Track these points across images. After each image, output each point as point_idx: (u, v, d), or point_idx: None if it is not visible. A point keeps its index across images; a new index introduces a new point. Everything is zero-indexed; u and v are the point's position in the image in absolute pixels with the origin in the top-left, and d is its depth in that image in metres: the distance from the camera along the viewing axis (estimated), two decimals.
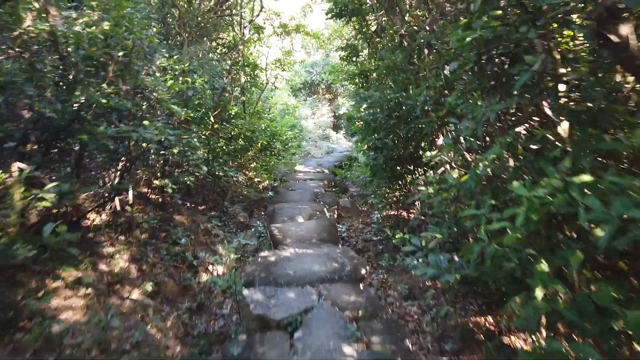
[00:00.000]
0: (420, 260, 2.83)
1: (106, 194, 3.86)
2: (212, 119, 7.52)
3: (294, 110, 15.06)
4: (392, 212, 5.70)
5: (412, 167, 5.09)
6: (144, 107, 3.92)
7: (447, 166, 4.11)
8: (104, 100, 3.20)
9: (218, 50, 8.39)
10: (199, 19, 6.70)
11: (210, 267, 4.28)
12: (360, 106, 6.87)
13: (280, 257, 3.50)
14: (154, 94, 3.95)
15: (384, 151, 4.72)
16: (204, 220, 5.46)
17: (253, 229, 5.67)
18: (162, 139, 4.79)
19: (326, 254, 3.52)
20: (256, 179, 8.98)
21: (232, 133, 8.09)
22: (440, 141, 4.52)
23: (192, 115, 4.49)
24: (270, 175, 9.20)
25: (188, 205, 5.75)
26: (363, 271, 3.51)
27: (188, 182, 5.14)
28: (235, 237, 5.49)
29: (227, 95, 8.41)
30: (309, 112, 19.13)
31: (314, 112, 19.70)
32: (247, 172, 9.12)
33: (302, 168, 9.54)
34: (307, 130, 17.00)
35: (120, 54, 3.41)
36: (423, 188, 3.13)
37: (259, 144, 9.16)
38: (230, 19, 7.89)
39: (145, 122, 3.62)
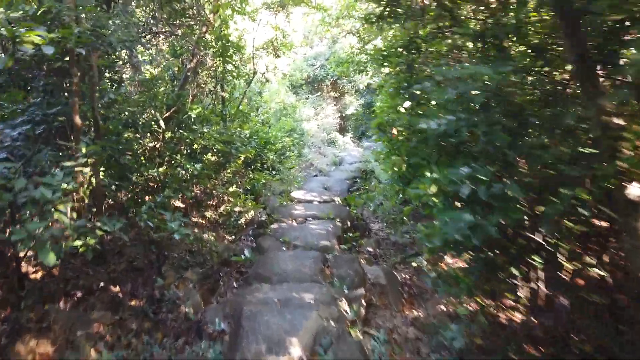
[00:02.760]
0: None
1: None
2: (162, 123, 4.77)
3: (293, 110, 12.25)
4: (495, 313, 2.84)
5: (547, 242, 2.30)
6: None
7: None
8: None
9: (176, 21, 5.61)
10: None
11: None
12: (400, 104, 4.05)
13: None
14: None
15: (497, 210, 1.91)
16: (99, 333, 2.68)
17: (203, 343, 2.88)
18: None
19: None
20: (236, 209, 6.18)
21: (196, 145, 5.33)
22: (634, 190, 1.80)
23: None
24: (257, 204, 6.38)
25: (78, 295, 2.96)
26: None
27: (83, 250, 2.50)
28: None
29: (188, 88, 5.64)
30: (312, 113, 16.28)
31: (318, 112, 16.85)
32: (224, 199, 6.32)
33: (302, 195, 6.64)
34: (309, 134, 14.14)
35: None
36: None
37: (241, 158, 6.38)
38: None
39: None
